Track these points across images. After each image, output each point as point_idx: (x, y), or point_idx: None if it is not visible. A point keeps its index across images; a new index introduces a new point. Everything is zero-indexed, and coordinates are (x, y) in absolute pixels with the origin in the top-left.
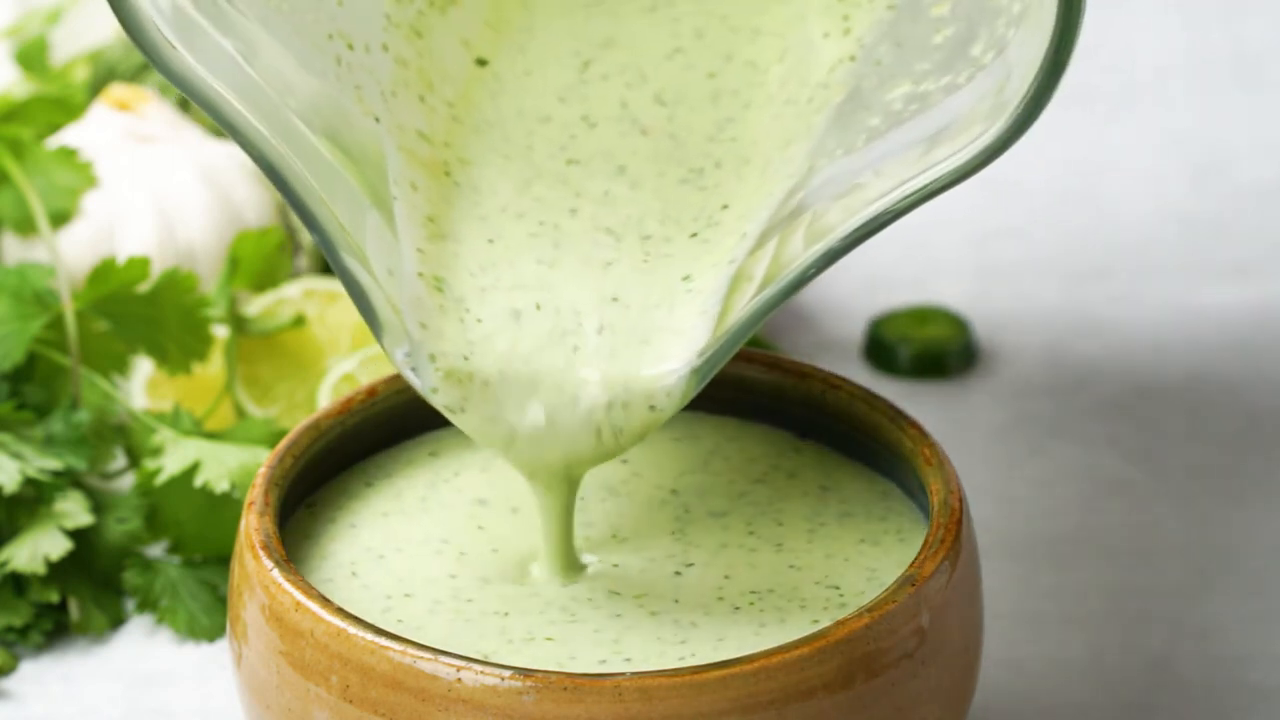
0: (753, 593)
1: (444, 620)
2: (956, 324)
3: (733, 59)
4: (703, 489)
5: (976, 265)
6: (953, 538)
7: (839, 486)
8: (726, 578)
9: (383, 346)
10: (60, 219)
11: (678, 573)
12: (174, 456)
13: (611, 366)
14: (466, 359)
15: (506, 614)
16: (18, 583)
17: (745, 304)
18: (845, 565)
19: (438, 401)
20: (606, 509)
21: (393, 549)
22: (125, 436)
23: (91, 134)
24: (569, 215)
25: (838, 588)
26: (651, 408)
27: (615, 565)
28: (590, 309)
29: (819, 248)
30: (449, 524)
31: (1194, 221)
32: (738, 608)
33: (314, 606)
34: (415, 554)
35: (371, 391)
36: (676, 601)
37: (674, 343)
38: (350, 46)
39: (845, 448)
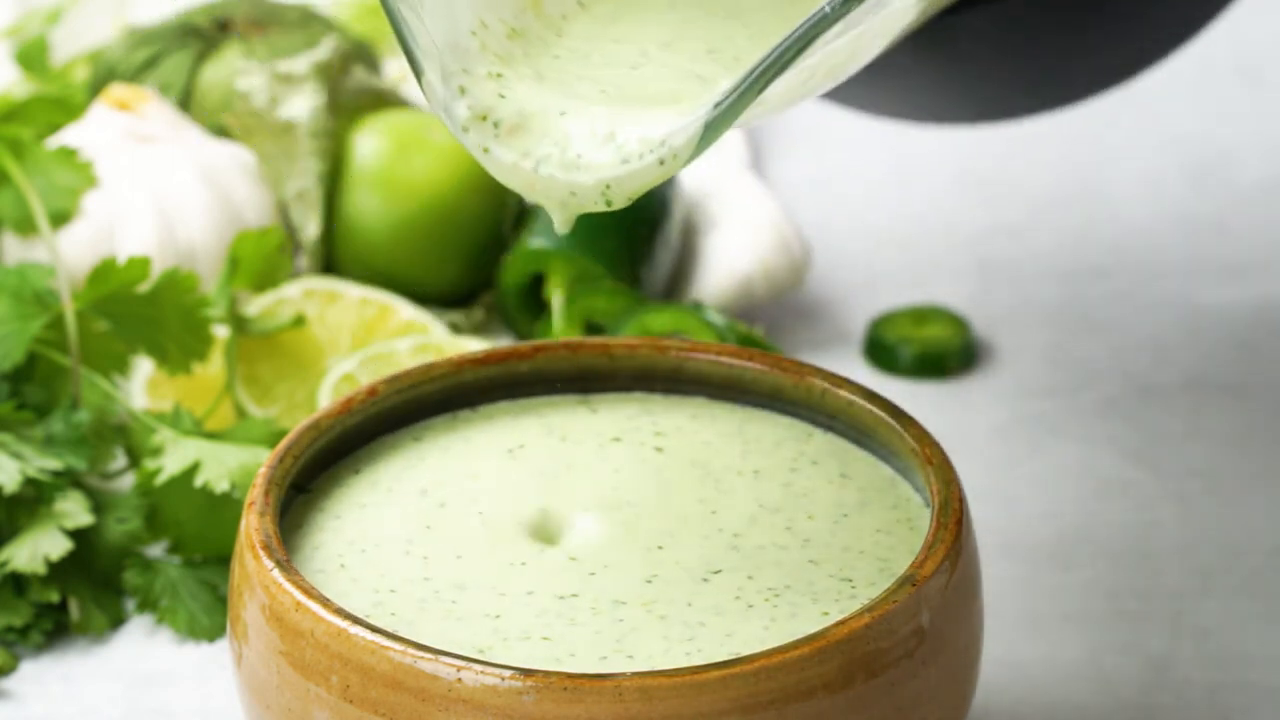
0: (769, 589)
1: (435, 616)
2: (956, 324)
3: None
4: (757, 471)
5: (976, 265)
6: (953, 538)
7: (855, 473)
8: (750, 578)
9: (418, 80)
10: (60, 219)
11: (705, 580)
12: (174, 456)
13: (637, 112)
14: (501, 97)
15: (498, 616)
16: (18, 583)
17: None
18: (860, 557)
19: (469, 141)
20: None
21: (372, 544)
22: (125, 436)
23: (91, 134)
24: None
25: (850, 580)
26: (660, 162)
27: (649, 581)
28: (631, 56)
29: None
30: (411, 518)
31: (1194, 221)
32: (752, 605)
33: (314, 606)
34: (390, 549)
35: (372, 391)
36: (689, 605)
37: (699, 93)
38: None
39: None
